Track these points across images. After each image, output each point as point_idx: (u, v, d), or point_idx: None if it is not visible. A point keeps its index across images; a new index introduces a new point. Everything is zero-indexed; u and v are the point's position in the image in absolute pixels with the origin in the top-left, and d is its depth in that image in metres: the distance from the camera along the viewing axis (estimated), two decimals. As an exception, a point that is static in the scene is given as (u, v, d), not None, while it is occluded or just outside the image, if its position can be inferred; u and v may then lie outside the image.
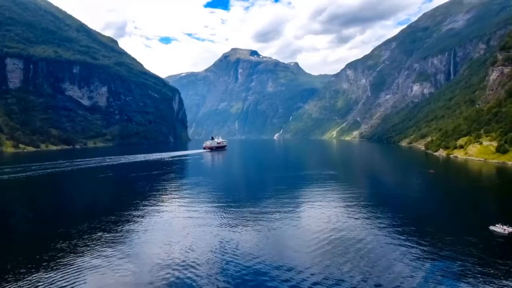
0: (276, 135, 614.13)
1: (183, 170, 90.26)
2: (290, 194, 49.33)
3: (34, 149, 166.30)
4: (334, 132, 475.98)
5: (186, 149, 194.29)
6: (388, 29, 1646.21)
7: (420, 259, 23.91)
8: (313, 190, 52.84)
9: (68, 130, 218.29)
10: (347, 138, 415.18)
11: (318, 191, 51.10)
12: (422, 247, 26.39)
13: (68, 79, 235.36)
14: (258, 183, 65.11)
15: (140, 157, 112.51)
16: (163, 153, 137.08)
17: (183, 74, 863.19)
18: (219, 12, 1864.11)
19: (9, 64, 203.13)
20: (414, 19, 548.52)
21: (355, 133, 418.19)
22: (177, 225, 33.01)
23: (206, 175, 77.70)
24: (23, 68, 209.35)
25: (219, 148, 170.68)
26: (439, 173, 74.80)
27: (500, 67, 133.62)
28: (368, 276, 21.23)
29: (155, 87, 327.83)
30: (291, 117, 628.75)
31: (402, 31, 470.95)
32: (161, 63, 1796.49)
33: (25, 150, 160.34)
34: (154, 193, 50.18)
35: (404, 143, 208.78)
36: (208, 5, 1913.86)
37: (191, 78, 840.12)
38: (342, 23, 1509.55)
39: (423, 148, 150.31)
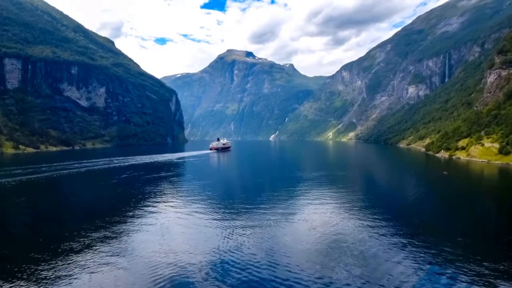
0: (272, 136, 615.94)
1: (197, 171, 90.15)
2: (295, 196, 49.52)
3: (34, 150, 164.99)
4: (330, 133, 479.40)
5: (183, 150, 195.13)
6: (383, 32, 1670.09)
7: (452, 264, 23.71)
8: (322, 192, 53.12)
9: (67, 131, 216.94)
10: (343, 140, 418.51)
11: (328, 193, 51.35)
12: (454, 251, 26.33)
13: (67, 80, 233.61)
14: (261, 184, 65.63)
15: (147, 159, 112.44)
16: (168, 154, 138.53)
17: (178, 75, 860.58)
18: (215, 13, 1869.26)
19: (8, 65, 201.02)
20: (408, 21, 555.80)
21: (351, 134, 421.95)
22: (191, 226, 33.62)
23: (217, 176, 78.52)
24: (21, 69, 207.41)
25: (224, 149, 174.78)
26: (453, 175, 74.67)
27: (497, 70, 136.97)
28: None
29: (153, 88, 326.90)
30: (286, 119, 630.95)
31: (396, 33, 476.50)
32: (156, 64, 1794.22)
33: (25, 151, 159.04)
34: (176, 195, 50.99)
35: (402, 145, 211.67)
36: (204, 6, 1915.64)
37: (186, 79, 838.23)
38: (337, 25, 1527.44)
39: (423, 149, 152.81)
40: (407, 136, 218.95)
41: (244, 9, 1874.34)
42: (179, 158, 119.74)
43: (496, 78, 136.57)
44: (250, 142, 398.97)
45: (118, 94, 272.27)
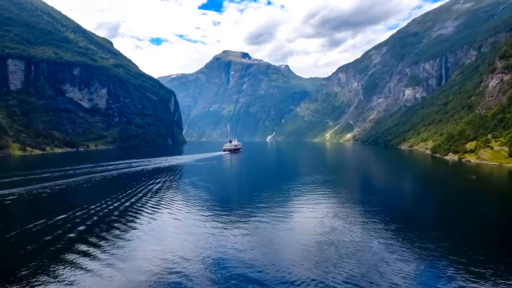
0: (269, 137, 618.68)
1: (220, 174, 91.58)
2: (305, 199, 50.42)
3: (40, 152, 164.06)
4: (327, 134, 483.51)
5: (182, 152, 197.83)
6: (379, 34, 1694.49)
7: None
8: (338, 196, 53.81)
9: (69, 133, 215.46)
10: (341, 141, 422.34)
11: (353, 199, 52.16)
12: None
13: (69, 81, 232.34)
14: (268, 185, 67.49)
15: (163, 161, 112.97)
16: (183, 156, 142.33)
17: (174, 76, 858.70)
18: (211, 14, 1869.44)
19: (11, 65, 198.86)
20: (404, 24, 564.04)
21: (349, 135, 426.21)
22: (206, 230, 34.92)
23: (236, 179, 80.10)
24: (24, 70, 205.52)
25: (236, 151, 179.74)
26: (481, 179, 72.57)
27: (499, 75, 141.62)
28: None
29: (153, 89, 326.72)
30: (283, 120, 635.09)
31: (392, 36, 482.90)
32: (152, 64, 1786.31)
33: (32, 153, 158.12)
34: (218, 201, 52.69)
35: (403, 146, 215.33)
36: (202, 7, 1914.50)
37: (182, 79, 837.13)
38: (334, 26, 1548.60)
39: (427, 151, 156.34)
40: (408, 138, 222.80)
41: (241, 10, 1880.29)
42: (198, 160, 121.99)
43: (498, 82, 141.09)
44: (249, 143, 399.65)
45: (119, 95, 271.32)
